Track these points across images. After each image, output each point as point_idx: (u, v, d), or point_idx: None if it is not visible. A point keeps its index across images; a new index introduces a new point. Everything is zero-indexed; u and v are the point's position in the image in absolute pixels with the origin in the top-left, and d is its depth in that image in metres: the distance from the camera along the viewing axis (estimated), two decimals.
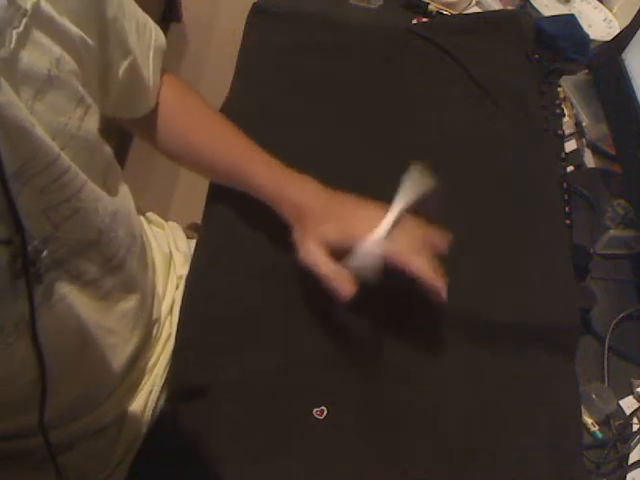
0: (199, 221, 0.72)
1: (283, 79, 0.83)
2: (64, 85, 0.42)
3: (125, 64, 0.55)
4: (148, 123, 0.65)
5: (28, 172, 0.39)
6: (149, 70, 0.60)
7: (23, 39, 0.38)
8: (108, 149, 0.53)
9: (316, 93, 0.82)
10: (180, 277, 0.71)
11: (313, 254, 0.58)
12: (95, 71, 0.49)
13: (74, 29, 0.44)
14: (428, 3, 0.96)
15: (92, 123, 0.46)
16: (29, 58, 0.39)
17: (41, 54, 0.40)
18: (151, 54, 0.60)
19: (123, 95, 0.57)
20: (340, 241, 0.58)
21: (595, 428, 0.63)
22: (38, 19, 0.40)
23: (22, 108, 0.38)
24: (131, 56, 0.55)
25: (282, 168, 0.64)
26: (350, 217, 0.60)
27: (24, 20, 0.38)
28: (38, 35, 0.40)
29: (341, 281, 0.55)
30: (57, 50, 0.41)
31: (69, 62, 0.43)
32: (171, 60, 0.66)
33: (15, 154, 0.38)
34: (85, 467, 0.58)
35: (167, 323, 0.67)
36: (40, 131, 0.39)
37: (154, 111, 0.65)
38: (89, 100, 0.46)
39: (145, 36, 0.59)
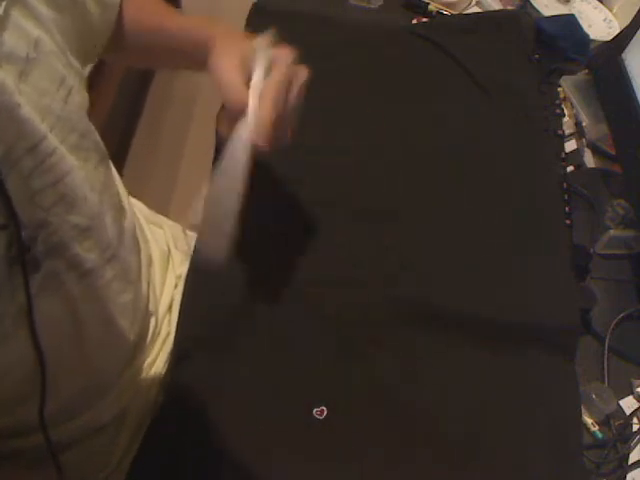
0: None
1: None
2: (43, 66, 0.42)
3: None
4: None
5: (13, 155, 0.39)
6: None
7: (4, 22, 0.39)
8: (97, 136, 0.52)
9: (315, 93, 0.82)
10: (179, 276, 0.71)
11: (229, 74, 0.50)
12: (71, 44, 0.48)
13: (47, 11, 0.44)
14: (428, 3, 0.96)
15: (76, 104, 0.46)
16: (10, 40, 0.39)
17: (20, 36, 0.40)
18: None
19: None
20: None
21: (595, 428, 0.63)
22: (15, 2, 0.40)
23: (6, 89, 0.38)
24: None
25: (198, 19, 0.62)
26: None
27: (3, 4, 0.39)
28: (17, 18, 0.40)
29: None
30: (35, 32, 0.42)
31: (47, 43, 0.43)
32: None
33: (1, 137, 0.38)
34: (85, 466, 0.58)
35: (166, 320, 0.67)
36: (26, 112, 0.39)
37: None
38: (72, 81, 0.46)
39: None
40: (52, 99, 0.43)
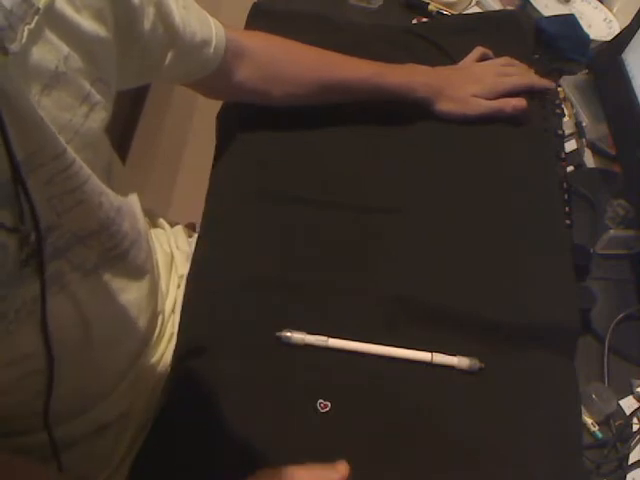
0: (199, 221, 0.72)
1: None
2: (70, 82, 0.43)
3: (167, 44, 0.58)
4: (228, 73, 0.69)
5: (35, 162, 0.40)
6: (211, 31, 0.63)
7: (34, 35, 0.39)
8: (109, 147, 0.54)
9: None
10: (181, 276, 0.71)
11: (480, 102, 0.79)
12: (113, 62, 0.50)
13: (90, 26, 0.44)
14: (428, 3, 0.96)
15: (97, 121, 0.47)
16: (38, 54, 0.40)
17: (50, 50, 0.41)
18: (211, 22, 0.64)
19: (181, 60, 0.61)
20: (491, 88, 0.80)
21: (595, 428, 0.63)
22: (50, 17, 0.41)
23: (33, 101, 0.39)
24: (174, 30, 0.57)
25: (397, 67, 0.79)
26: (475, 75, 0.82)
27: (36, 17, 0.39)
28: (49, 33, 0.41)
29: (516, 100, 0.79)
30: (65, 48, 0.42)
31: (77, 60, 0.44)
32: None
33: (23, 143, 0.39)
34: (86, 466, 0.58)
35: (170, 321, 0.68)
36: (48, 124, 0.40)
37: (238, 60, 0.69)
38: (96, 97, 0.46)
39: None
40: (73, 114, 0.44)
